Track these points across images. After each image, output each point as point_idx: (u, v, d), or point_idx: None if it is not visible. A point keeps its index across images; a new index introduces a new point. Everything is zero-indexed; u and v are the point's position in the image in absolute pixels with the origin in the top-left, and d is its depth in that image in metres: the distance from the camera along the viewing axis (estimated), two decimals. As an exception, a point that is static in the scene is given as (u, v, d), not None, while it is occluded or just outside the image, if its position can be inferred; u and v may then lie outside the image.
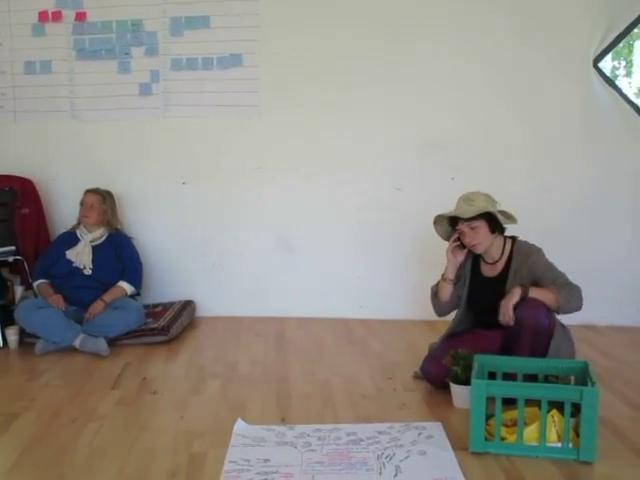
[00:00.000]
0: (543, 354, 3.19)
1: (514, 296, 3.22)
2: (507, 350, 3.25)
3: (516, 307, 3.21)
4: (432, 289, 3.67)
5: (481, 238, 3.40)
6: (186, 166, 4.97)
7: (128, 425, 3.11)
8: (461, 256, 3.53)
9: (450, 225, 3.52)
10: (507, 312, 3.21)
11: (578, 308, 3.26)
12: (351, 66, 4.77)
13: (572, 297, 3.23)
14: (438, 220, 3.55)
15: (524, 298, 3.21)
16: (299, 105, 4.83)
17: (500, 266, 3.49)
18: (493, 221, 3.39)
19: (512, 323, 3.21)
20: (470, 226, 3.39)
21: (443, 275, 3.59)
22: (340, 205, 4.90)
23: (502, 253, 3.48)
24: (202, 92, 4.86)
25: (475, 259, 3.58)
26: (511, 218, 3.44)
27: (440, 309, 3.68)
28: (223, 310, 5.02)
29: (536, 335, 3.17)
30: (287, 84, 4.82)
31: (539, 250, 3.42)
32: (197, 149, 4.95)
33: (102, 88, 4.90)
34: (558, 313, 3.25)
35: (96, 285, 4.50)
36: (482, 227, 3.39)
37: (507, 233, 3.51)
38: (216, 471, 2.63)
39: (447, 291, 3.58)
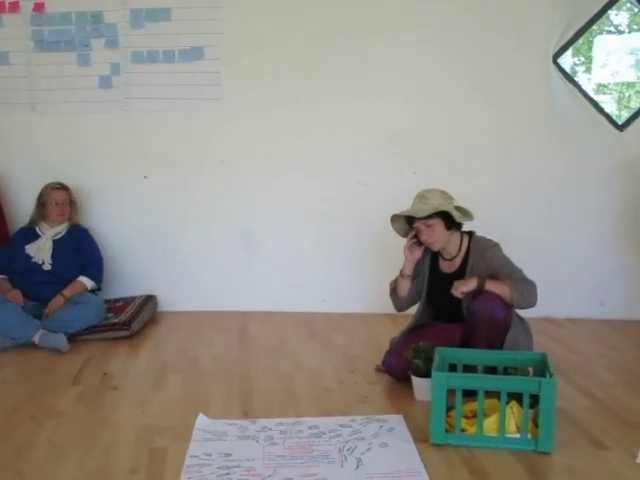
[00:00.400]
0: (500, 346, 3.24)
1: (469, 284, 3.27)
2: (466, 343, 3.30)
3: (473, 299, 3.26)
4: (390, 285, 3.68)
5: (437, 236, 3.40)
6: (148, 160, 4.93)
7: (88, 421, 3.08)
8: (418, 253, 3.53)
9: (407, 222, 3.52)
10: (456, 291, 3.29)
11: (532, 304, 3.29)
12: (314, 60, 4.76)
13: (527, 293, 3.25)
14: (395, 218, 3.55)
15: (480, 290, 3.25)
16: (262, 99, 4.81)
17: (458, 262, 3.51)
18: (449, 218, 3.40)
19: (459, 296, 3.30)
20: (426, 224, 3.39)
21: (401, 271, 3.60)
22: (303, 199, 4.90)
23: (459, 249, 3.49)
24: (163, 85, 4.81)
25: (433, 255, 3.59)
26: (467, 215, 3.46)
27: (399, 305, 3.70)
28: (185, 305, 5.00)
29: (492, 327, 3.21)
30: (250, 78, 4.80)
31: (496, 245, 3.45)
32: (159, 142, 4.91)
33: (61, 80, 4.82)
34: (512, 307, 3.29)
35: (56, 280, 4.45)
36: (438, 225, 3.39)
37: (465, 228, 3.53)
38: (177, 466, 2.62)
39: (405, 287, 3.60)
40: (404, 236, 3.58)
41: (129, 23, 4.77)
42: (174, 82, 4.79)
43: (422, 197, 3.41)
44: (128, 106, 4.85)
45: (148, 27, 4.77)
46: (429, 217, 3.36)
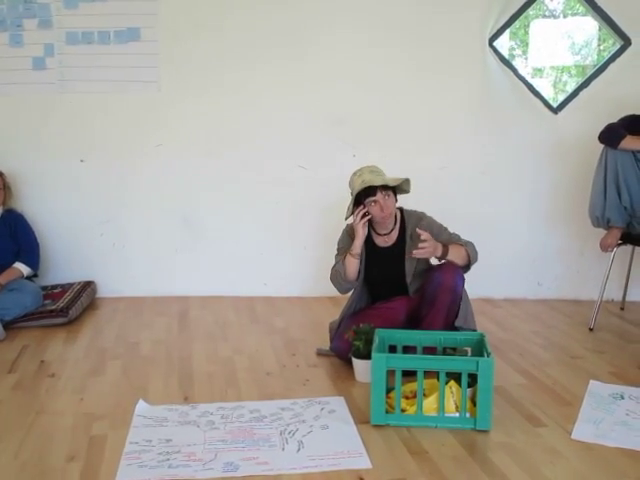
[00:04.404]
0: (456, 315, 3.36)
1: (436, 250, 3.31)
2: (416, 315, 3.41)
3: (433, 270, 3.42)
4: (336, 270, 3.54)
5: (391, 207, 3.46)
6: (84, 143, 4.82)
7: (25, 409, 3.02)
8: (366, 229, 3.48)
9: (357, 200, 3.46)
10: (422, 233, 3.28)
11: (477, 260, 3.48)
12: (252, 42, 4.72)
13: (474, 252, 3.45)
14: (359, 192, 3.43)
15: (443, 256, 3.35)
16: (200, 81, 4.76)
17: (394, 235, 3.57)
18: (395, 192, 3.49)
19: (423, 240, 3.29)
20: (384, 194, 3.40)
21: (350, 252, 3.48)
22: (243, 183, 4.87)
23: (395, 223, 3.57)
24: (99, 67, 4.70)
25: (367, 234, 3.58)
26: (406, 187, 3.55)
27: (349, 286, 3.61)
28: (125, 290, 4.93)
29: (453, 297, 3.33)
30: (187, 60, 4.74)
31: (427, 215, 3.58)
32: (95, 126, 4.81)
33: (-8, 61, 4.69)
34: (468, 268, 3.44)
35: (-10, 267, 4.35)
36: (392, 196, 3.46)
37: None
38: (117, 453, 2.59)
39: (356, 267, 3.50)
40: (353, 212, 3.49)
41: (63, 3, 4.64)
42: (110, 64, 4.69)
43: (373, 171, 3.45)
44: (63, 88, 4.74)
45: (82, 7, 4.65)
46: (388, 188, 3.42)
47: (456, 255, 3.37)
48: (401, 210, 3.62)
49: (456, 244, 3.42)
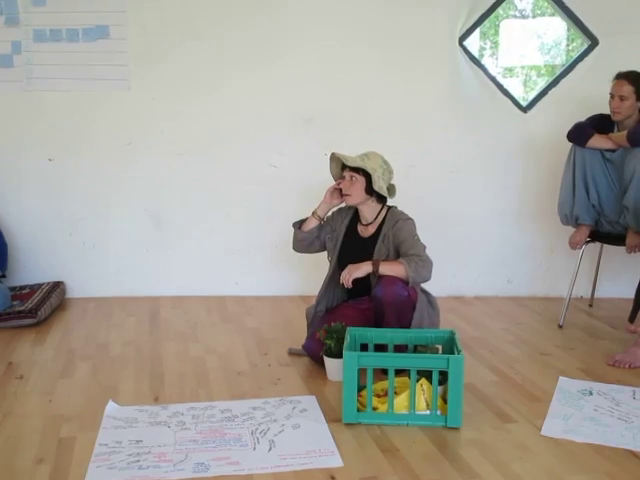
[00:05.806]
0: (410, 324, 3.33)
1: (361, 269, 3.35)
2: (378, 324, 3.37)
3: (375, 284, 3.36)
4: (295, 223, 3.75)
5: (354, 191, 3.50)
6: (52, 142, 4.76)
7: (-8, 412, 2.99)
8: (336, 201, 3.65)
9: (342, 169, 3.60)
10: (346, 280, 3.35)
11: (427, 279, 3.36)
12: (222, 40, 4.69)
13: (421, 268, 3.29)
14: (334, 158, 3.62)
15: (375, 273, 3.34)
16: (170, 79, 4.72)
17: (372, 229, 3.60)
18: (371, 183, 3.49)
19: (347, 286, 3.38)
20: (350, 175, 3.49)
21: (314, 211, 3.68)
22: (214, 181, 4.84)
23: (376, 217, 3.59)
24: (67, 65, 4.65)
25: (354, 219, 3.67)
26: (391, 192, 3.58)
27: (298, 241, 3.74)
28: (95, 291, 4.88)
29: (398, 308, 3.29)
30: (157, 58, 4.70)
31: (408, 219, 3.54)
32: (64, 124, 4.75)
33: (-42, 59, 4.62)
34: (407, 284, 3.33)
35: (-43, 268, 4.30)
36: (359, 182, 3.49)
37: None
38: (86, 455, 2.57)
39: (313, 224, 3.67)
40: (335, 179, 3.66)
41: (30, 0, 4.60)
42: (78, 62, 4.64)
43: (364, 154, 3.54)
44: (30, 86, 4.68)
45: (50, 4, 4.59)
46: (356, 171, 3.47)
47: (389, 272, 3.32)
48: (388, 208, 3.63)
49: (394, 262, 3.35)
